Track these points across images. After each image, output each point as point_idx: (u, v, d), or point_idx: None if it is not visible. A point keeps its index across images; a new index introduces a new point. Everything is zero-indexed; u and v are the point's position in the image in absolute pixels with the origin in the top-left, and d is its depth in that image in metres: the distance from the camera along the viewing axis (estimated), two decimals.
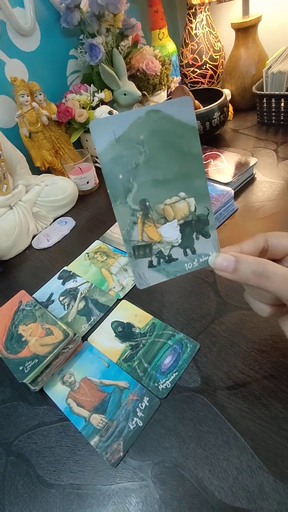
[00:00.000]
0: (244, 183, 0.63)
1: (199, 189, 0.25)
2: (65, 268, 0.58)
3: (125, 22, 0.81)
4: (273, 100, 0.76)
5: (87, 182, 0.76)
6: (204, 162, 0.66)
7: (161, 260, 0.26)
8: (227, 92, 0.86)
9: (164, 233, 0.26)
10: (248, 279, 0.24)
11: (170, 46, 0.94)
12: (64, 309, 0.50)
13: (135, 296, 0.49)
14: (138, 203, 0.25)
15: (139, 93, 0.82)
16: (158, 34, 0.92)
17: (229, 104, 0.81)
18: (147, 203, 0.25)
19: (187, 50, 0.95)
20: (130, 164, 0.24)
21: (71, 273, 0.56)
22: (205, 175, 0.25)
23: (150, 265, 0.26)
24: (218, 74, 0.96)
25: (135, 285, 0.50)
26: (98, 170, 0.82)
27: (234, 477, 0.29)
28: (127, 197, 0.24)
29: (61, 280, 0.56)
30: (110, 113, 0.76)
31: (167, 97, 0.95)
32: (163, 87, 0.90)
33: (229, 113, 0.82)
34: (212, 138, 0.80)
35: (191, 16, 0.91)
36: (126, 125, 0.23)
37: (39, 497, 0.32)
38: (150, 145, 0.23)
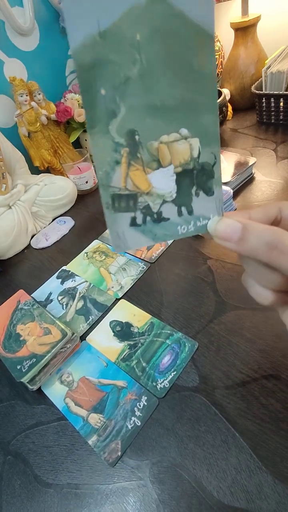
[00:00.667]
0: (243, 183, 0.63)
1: (208, 127, 0.19)
2: (64, 267, 0.58)
3: None
4: (272, 100, 0.75)
5: (86, 182, 0.76)
6: None
7: (148, 218, 0.20)
8: (226, 92, 0.86)
9: (155, 181, 0.20)
10: (258, 252, 0.19)
11: None
12: (63, 308, 0.50)
13: (133, 295, 0.49)
14: (124, 135, 0.18)
15: None
16: None
17: (228, 104, 0.81)
18: (137, 137, 0.18)
19: None
20: (118, 76, 0.17)
21: (69, 272, 0.56)
22: (217, 109, 0.19)
23: (133, 223, 0.20)
24: (217, 74, 0.96)
25: (134, 285, 0.50)
26: None
27: (232, 477, 0.29)
28: (109, 123, 0.18)
29: (60, 280, 0.55)
30: None
31: None
32: None
33: (228, 112, 0.82)
34: None
35: None
36: (117, 12, 0.16)
37: (37, 497, 0.32)
38: (148, 51, 0.17)
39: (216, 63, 0.94)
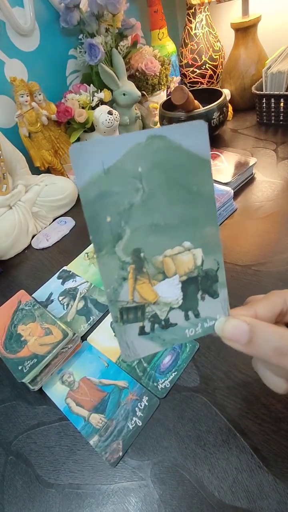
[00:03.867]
0: (243, 183, 0.63)
1: (209, 238, 0.21)
2: (65, 268, 0.58)
3: (125, 22, 0.81)
4: (272, 100, 0.76)
5: None
6: None
7: (156, 325, 0.22)
8: (226, 92, 0.86)
9: (162, 292, 0.21)
10: (267, 356, 0.19)
11: (170, 46, 0.94)
12: (64, 308, 0.50)
13: None
14: (130, 254, 0.20)
15: (139, 93, 0.82)
16: (158, 34, 0.92)
17: (229, 104, 0.81)
18: (142, 254, 0.20)
19: (186, 50, 0.95)
20: (123, 204, 0.19)
21: (70, 272, 0.56)
22: (217, 221, 0.21)
23: (142, 332, 0.21)
24: (218, 74, 0.97)
25: None
26: None
27: (233, 476, 0.29)
28: (116, 245, 0.19)
29: (61, 280, 0.56)
30: (110, 113, 0.76)
31: (167, 97, 0.95)
32: (163, 87, 0.90)
33: (229, 113, 0.82)
34: (212, 138, 0.80)
35: (191, 16, 0.91)
36: (120, 153, 0.18)
37: (38, 497, 0.32)
38: (150, 180, 0.19)
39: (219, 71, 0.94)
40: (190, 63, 0.95)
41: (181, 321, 0.22)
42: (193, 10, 0.89)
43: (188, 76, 0.98)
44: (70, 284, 0.54)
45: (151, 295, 0.21)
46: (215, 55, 0.93)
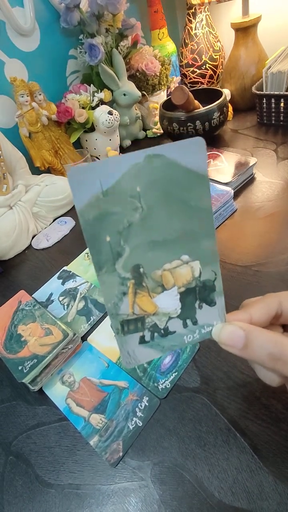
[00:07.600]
0: (243, 183, 0.63)
1: (206, 251, 0.21)
2: (65, 268, 0.58)
3: (125, 22, 0.81)
4: (272, 100, 0.76)
5: None
6: None
7: (155, 334, 0.22)
8: (226, 92, 0.86)
9: (161, 303, 0.21)
10: (262, 361, 0.20)
11: (170, 46, 0.94)
12: (64, 309, 0.50)
13: None
14: (129, 270, 0.20)
15: (139, 93, 0.82)
16: (158, 34, 0.92)
17: (229, 104, 0.81)
18: (141, 270, 0.20)
19: (186, 50, 0.95)
20: (121, 223, 0.19)
21: (70, 273, 0.56)
22: (214, 234, 0.21)
23: (142, 341, 0.22)
24: (218, 74, 0.96)
25: None
26: None
27: (234, 477, 0.29)
28: (116, 263, 0.20)
29: (61, 280, 0.55)
30: (110, 113, 0.76)
31: (167, 97, 0.95)
32: (163, 87, 0.90)
33: (229, 113, 0.82)
34: (212, 138, 0.80)
35: (191, 16, 0.91)
36: (118, 174, 0.18)
37: (38, 497, 0.32)
38: (148, 198, 0.19)
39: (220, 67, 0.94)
40: (190, 63, 0.95)
41: (179, 329, 0.22)
42: (193, 10, 0.89)
43: (188, 76, 0.98)
44: (70, 284, 0.54)
45: (151, 307, 0.21)
46: (215, 55, 0.93)
